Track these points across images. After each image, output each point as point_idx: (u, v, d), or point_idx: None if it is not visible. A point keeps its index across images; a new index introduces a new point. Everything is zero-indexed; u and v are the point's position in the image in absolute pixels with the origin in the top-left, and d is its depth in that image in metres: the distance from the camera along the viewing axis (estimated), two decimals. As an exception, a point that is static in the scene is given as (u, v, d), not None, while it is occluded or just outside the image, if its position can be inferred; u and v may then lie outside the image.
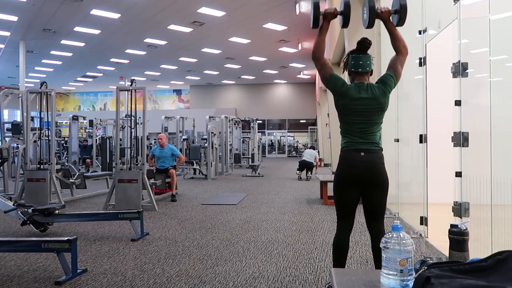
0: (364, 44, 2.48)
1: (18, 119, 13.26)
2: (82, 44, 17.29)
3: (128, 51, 18.64)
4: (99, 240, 4.44)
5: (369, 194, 2.44)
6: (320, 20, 2.44)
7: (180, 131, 13.54)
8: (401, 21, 2.43)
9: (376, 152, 2.43)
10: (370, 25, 2.41)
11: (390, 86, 2.45)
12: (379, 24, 2.63)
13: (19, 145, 8.92)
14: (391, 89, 2.46)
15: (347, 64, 2.57)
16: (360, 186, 2.43)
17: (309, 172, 11.21)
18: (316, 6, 2.41)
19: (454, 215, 3.34)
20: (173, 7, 12.83)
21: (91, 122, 12.88)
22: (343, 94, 2.45)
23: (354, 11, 2.45)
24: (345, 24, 2.43)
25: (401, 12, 2.40)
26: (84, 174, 8.24)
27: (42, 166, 6.89)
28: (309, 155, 11.39)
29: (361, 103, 2.41)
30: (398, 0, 2.41)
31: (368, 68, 2.50)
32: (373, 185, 2.41)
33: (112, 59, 20.58)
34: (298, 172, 11.27)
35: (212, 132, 11.56)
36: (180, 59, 20.42)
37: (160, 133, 8.99)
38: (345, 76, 2.73)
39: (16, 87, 19.21)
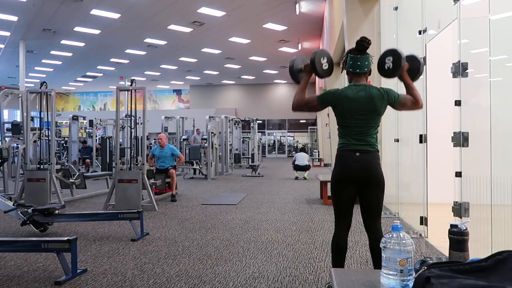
0: (363, 44, 2.45)
1: (18, 119, 13.26)
2: (82, 44, 17.29)
3: (128, 51, 18.64)
4: (99, 240, 4.44)
5: (365, 194, 2.45)
6: (300, 75, 2.61)
7: (190, 129, 13.50)
8: (417, 76, 2.54)
9: (371, 152, 2.45)
10: (389, 77, 2.54)
11: (390, 99, 2.46)
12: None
13: (19, 145, 8.91)
14: (389, 102, 2.46)
15: (345, 63, 2.56)
16: (356, 185, 2.44)
17: (306, 172, 11.44)
18: (291, 68, 2.60)
19: (454, 215, 3.34)
20: (173, 7, 12.83)
21: (91, 122, 12.88)
22: (339, 97, 2.47)
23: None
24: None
25: (420, 68, 2.51)
26: (84, 174, 8.23)
27: (42, 166, 6.89)
28: (302, 159, 11.55)
29: (358, 103, 2.42)
30: (416, 57, 2.54)
31: (366, 69, 2.49)
32: (368, 184, 2.43)
33: (112, 59, 20.58)
34: (296, 173, 11.53)
35: (212, 132, 11.56)
36: (180, 59, 20.42)
37: (160, 133, 9.01)
38: (344, 75, 2.74)
39: (16, 87, 19.21)
